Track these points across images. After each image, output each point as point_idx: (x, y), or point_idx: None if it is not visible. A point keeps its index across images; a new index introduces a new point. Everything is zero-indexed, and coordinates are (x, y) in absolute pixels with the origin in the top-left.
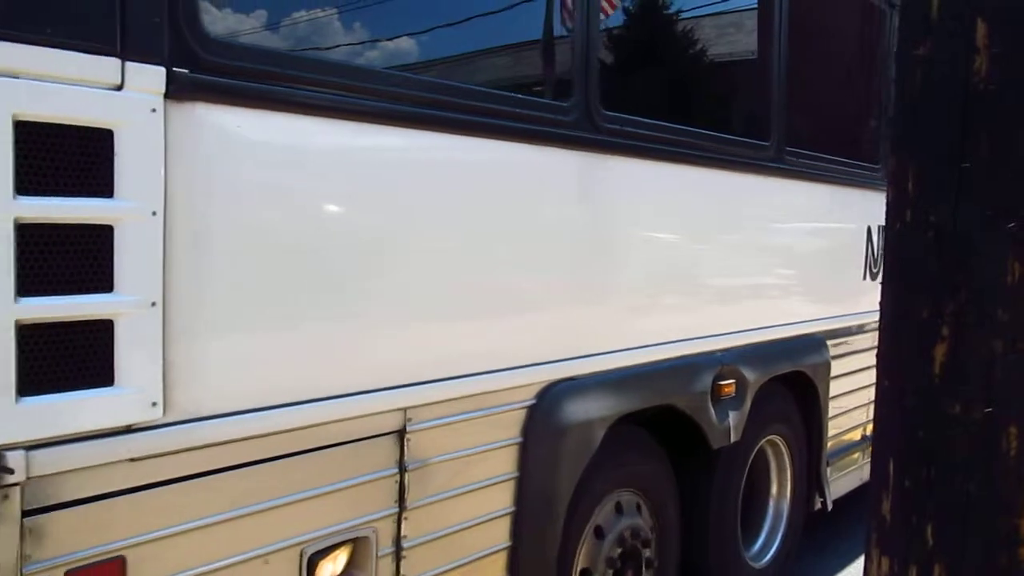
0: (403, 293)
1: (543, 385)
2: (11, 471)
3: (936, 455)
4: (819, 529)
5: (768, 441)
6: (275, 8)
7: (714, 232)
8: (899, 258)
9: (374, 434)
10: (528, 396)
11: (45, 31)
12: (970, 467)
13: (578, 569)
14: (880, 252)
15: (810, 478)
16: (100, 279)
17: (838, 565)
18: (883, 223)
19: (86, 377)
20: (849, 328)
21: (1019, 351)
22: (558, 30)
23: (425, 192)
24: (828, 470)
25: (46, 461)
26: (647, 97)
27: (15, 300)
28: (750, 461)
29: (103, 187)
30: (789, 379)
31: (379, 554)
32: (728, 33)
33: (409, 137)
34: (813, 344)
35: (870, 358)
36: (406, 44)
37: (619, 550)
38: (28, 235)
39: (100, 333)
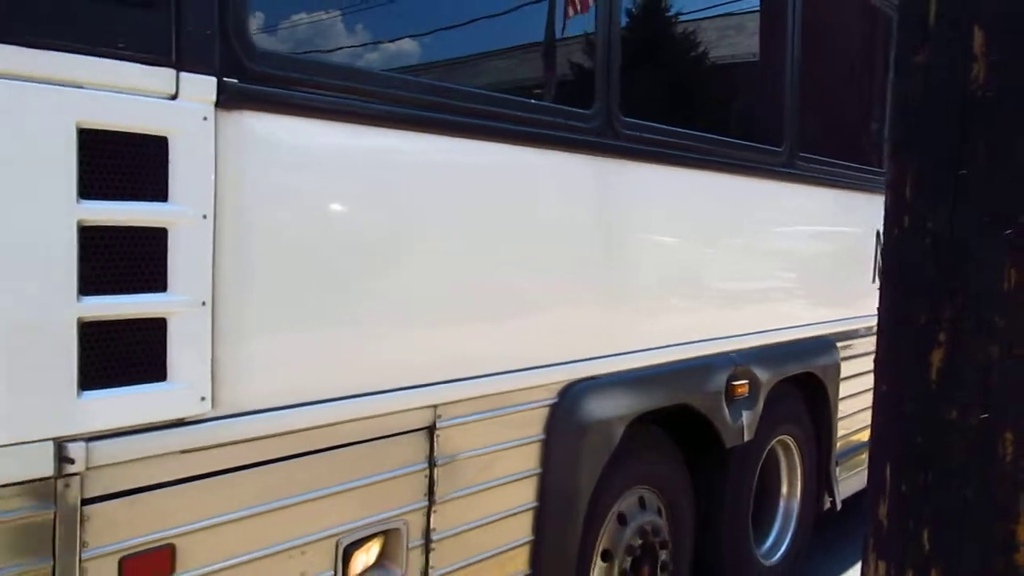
0: (435, 295)
1: (564, 384)
2: (72, 461)
3: (933, 460)
4: (828, 528)
5: (779, 441)
6: (317, 21)
7: (728, 236)
8: (897, 263)
9: (406, 430)
10: (550, 395)
11: (107, 43)
12: (966, 472)
13: (597, 559)
14: None
15: (819, 478)
16: (155, 279)
17: (846, 565)
18: None
19: (141, 373)
20: (858, 330)
21: (1016, 357)
22: (581, 41)
23: (458, 197)
24: (837, 470)
25: (104, 452)
26: (664, 104)
27: (78, 299)
28: (762, 460)
29: (158, 192)
30: (800, 380)
31: (409, 546)
32: (741, 41)
33: (444, 143)
34: (823, 346)
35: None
36: (441, 56)
37: (638, 542)
38: (89, 237)
39: (154, 331)
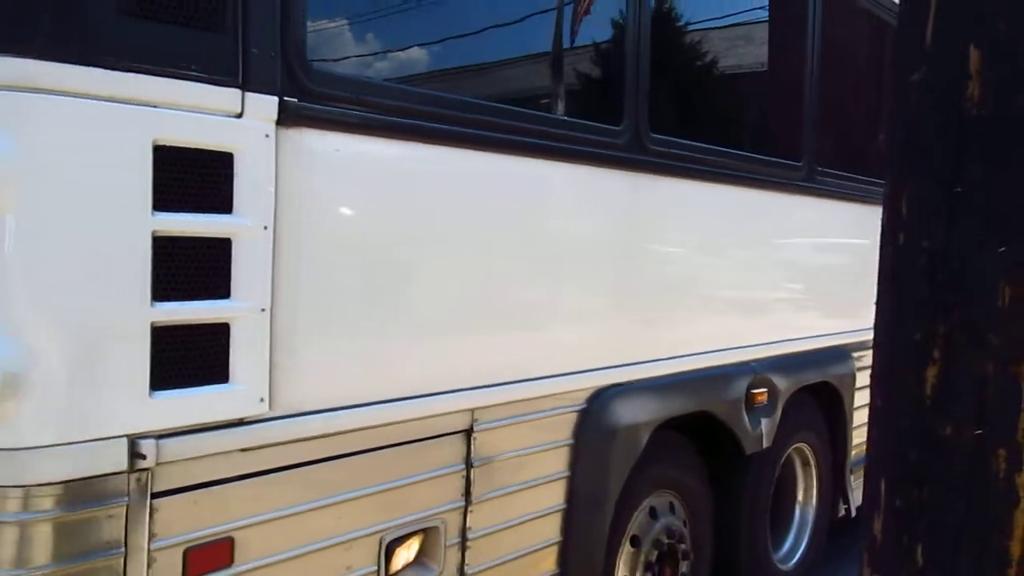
0: (475, 304)
1: (593, 390)
2: (144, 457)
3: (927, 476)
4: (842, 535)
5: (795, 449)
6: (369, 44)
7: (748, 248)
8: (892, 280)
9: (445, 432)
10: (579, 400)
11: (180, 66)
12: (960, 488)
13: (621, 562)
14: None
15: (835, 485)
16: (219, 287)
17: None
18: None
19: (206, 374)
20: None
21: (1010, 374)
22: (612, 60)
23: (497, 210)
24: (852, 477)
25: (172, 449)
26: (690, 120)
27: (151, 304)
28: (779, 467)
29: (223, 204)
30: (816, 389)
31: (447, 544)
32: (761, 60)
33: (485, 159)
34: (839, 355)
35: None
36: (483, 77)
37: (659, 546)
38: (161, 246)
39: (218, 335)
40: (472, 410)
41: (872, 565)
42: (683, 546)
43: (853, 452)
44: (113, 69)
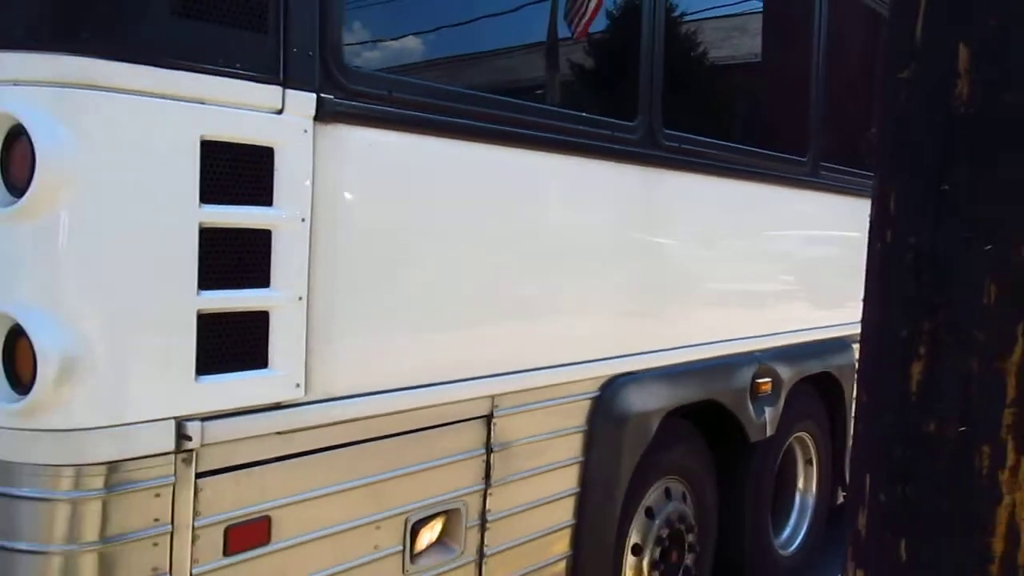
0: (497, 293)
1: (606, 378)
2: (190, 438)
3: (911, 472)
4: (841, 523)
5: (797, 437)
6: (402, 43)
7: (754, 241)
8: (879, 277)
9: (467, 417)
10: (593, 388)
11: (226, 64)
12: (944, 485)
13: (630, 545)
14: None
15: (834, 473)
16: (260, 276)
17: None
18: None
19: (247, 360)
20: None
21: (995, 371)
22: (629, 58)
23: (518, 204)
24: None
25: (215, 431)
26: (700, 117)
27: (197, 293)
28: (781, 455)
29: (264, 197)
30: (817, 379)
31: (468, 525)
32: (767, 58)
33: (506, 154)
34: (840, 347)
35: None
36: (506, 75)
37: (666, 531)
38: (206, 237)
39: (259, 322)
40: (493, 396)
41: (856, 559)
42: (690, 535)
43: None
44: (165, 67)
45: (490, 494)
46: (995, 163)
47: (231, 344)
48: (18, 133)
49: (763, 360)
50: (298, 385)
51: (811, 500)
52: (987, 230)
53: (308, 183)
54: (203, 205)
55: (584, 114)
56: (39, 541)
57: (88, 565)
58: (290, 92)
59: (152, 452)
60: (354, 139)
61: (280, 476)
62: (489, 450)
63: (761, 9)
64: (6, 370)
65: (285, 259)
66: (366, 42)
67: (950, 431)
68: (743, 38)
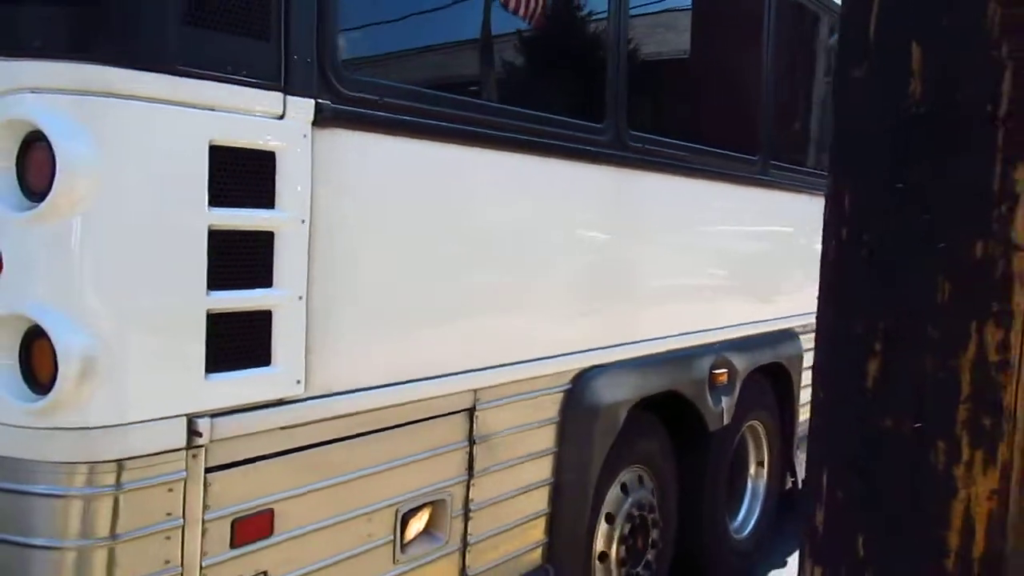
0: (480, 291)
1: (577, 371)
2: (200, 434)
3: (868, 468)
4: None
5: (749, 426)
6: (396, 50)
7: (710, 237)
8: (835, 274)
9: (452, 411)
10: (565, 381)
11: (231, 71)
12: (900, 480)
13: (598, 539)
14: None
15: (783, 460)
16: (263, 276)
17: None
18: None
19: (251, 358)
20: None
21: (949, 368)
22: (596, 62)
23: (499, 205)
24: (798, 452)
25: (223, 427)
26: (663, 119)
27: (207, 293)
28: (735, 443)
29: (267, 200)
30: (768, 369)
31: (452, 515)
32: (723, 64)
33: (488, 156)
34: (788, 337)
35: None
36: (490, 82)
37: (635, 513)
38: (215, 239)
39: (263, 321)
40: (475, 390)
41: (814, 557)
42: (653, 516)
43: (800, 428)
44: (178, 75)
45: (473, 485)
46: (948, 161)
47: (237, 342)
48: (36, 139)
49: (719, 351)
50: (298, 382)
51: (762, 486)
52: (940, 228)
53: (307, 186)
54: (212, 208)
55: (561, 118)
56: (57, 537)
57: (104, 560)
58: (291, 98)
59: (165, 448)
60: (349, 143)
61: (282, 470)
62: (472, 442)
63: (716, 23)
64: (22, 370)
65: (287, 260)
66: (361, 49)
67: (905, 427)
68: (699, 45)
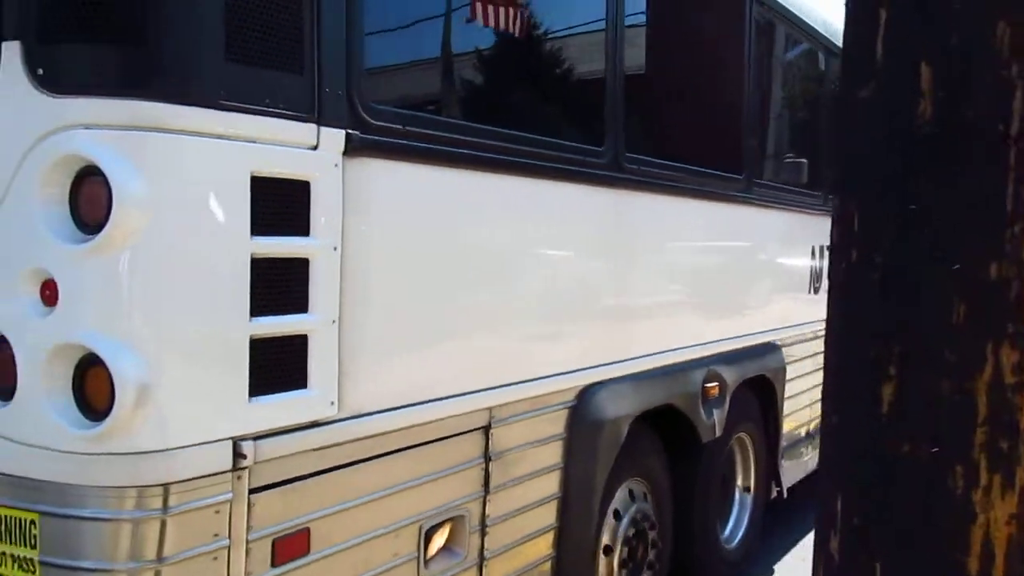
0: (494, 312)
1: (581, 388)
2: (244, 456)
3: (885, 494)
4: (776, 516)
5: (737, 438)
6: (419, 84)
7: (700, 254)
8: (846, 297)
9: (469, 429)
10: (571, 397)
11: (271, 104)
12: (919, 506)
13: (602, 545)
14: (821, 269)
15: (768, 470)
16: (300, 302)
17: (787, 546)
18: (824, 243)
19: (290, 381)
20: (799, 336)
21: (965, 391)
22: (595, 88)
23: (513, 229)
24: (783, 462)
25: (265, 449)
26: (657, 142)
27: (250, 319)
28: (725, 455)
29: (303, 228)
30: (753, 382)
31: (471, 530)
32: (709, 90)
33: (502, 182)
34: (772, 350)
35: (814, 363)
36: (504, 110)
37: (633, 529)
38: (256, 267)
39: (300, 345)
40: (490, 408)
41: None
42: (651, 525)
43: (784, 440)
44: (222, 109)
45: (489, 500)
46: (959, 181)
47: (277, 366)
48: (88, 173)
49: (710, 365)
50: (332, 403)
51: (750, 496)
52: (953, 249)
53: (339, 213)
54: (254, 237)
55: (570, 143)
56: (116, 560)
57: None
58: (324, 129)
59: (213, 471)
60: (375, 171)
61: (316, 490)
62: (488, 459)
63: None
64: (75, 398)
65: (321, 285)
66: (386, 82)
67: (923, 452)
68: (687, 73)
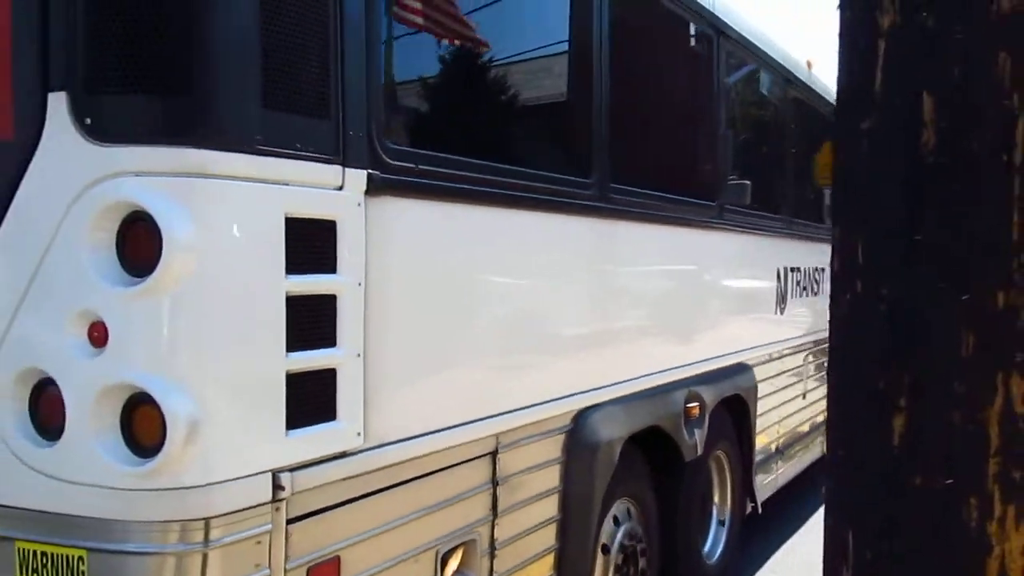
0: (499, 340)
1: (576, 412)
2: (283, 488)
3: (898, 527)
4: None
5: (714, 456)
6: (433, 125)
7: (679, 278)
8: (850, 329)
9: (479, 455)
10: (567, 422)
11: (301, 148)
12: (933, 539)
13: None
14: (785, 290)
15: (744, 487)
16: (328, 337)
17: (763, 558)
18: (788, 265)
19: (321, 413)
20: (767, 356)
21: (977, 421)
22: (584, 120)
23: (514, 262)
24: (756, 478)
25: (301, 481)
26: (639, 172)
27: (286, 355)
28: (704, 473)
29: (330, 265)
30: (728, 401)
31: (481, 554)
32: (687, 123)
33: (505, 216)
34: (744, 370)
35: (783, 380)
36: (501, 145)
37: (627, 542)
38: (291, 304)
39: (329, 379)
40: (497, 435)
41: None
42: (642, 546)
43: (757, 456)
44: (258, 154)
45: (497, 524)
46: (965, 212)
47: (310, 400)
48: (135, 219)
49: (691, 386)
50: (359, 434)
51: (727, 512)
52: (961, 280)
53: (362, 250)
54: (288, 276)
55: (565, 176)
56: None
57: None
58: (348, 170)
59: (255, 503)
60: (393, 209)
61: (345, 519)
62: (495, 483)
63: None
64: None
65: (347, 320)
66: (397, 123)
67: (936, 484)
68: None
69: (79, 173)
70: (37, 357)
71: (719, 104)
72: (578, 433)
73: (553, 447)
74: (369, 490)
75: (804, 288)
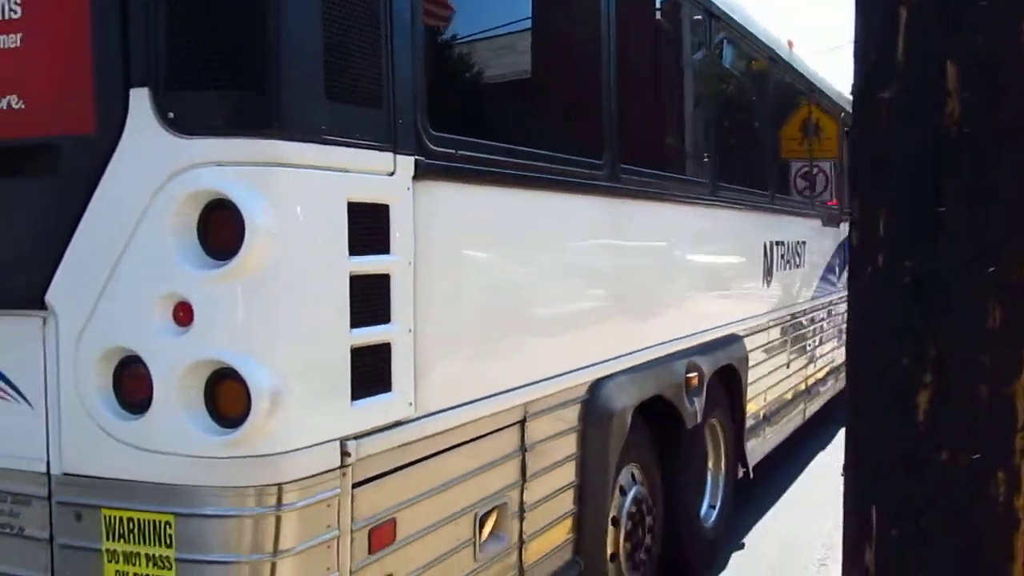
0: (529, 314)
1: (591, 382)
2: (349, 455)
3: (925, 503)
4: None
5: (709, 424)
6: (469, 114)
7: (680, 252)
8: (871, 303)
9: (510, 423)
10: (584, 392)
11: (360, 136)
12: (960, 514)
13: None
14: (772, 263)
15: (736, 452)
16: (384, 314)
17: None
18: (774, 239)
19: (379, 385)
20: (757, 327)
21: (1003, 395)
22: (595, 105)
23: (544, 241)
24: (747, 445)
25: (364, 448)
26: (648, 153)
27: (350, 331)
28: (701, 440)
29: (385, 247)
30: (721, 371)
31: (511, 516)
32: (704, 99)
33: (537, 197)
34: (736, 341)
35: (770, 350)
36: (538, 131)
37: (634, 509)
38: (353, 284)
39: (385, 353)
40: (525, 404)
41: None
42: (648, 507)
43: (748, 423)
44: (324, 144)
45: (526, 488)
46: (992, 183)
47: (370, 373)
48: (216, 207)
49: (690, 357)
50: (411, 404)
51: (721, 477)
52: (987, 251)
53: (411, 232)
54: (351, 256)
55: (584, 158)
56: (252, 552)
57: (290, 567)
58: (399, 157)
59: (326, 468)
60: (437, 192)
61: (399, 484)
62: (524, 450)
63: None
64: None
65: (400, 298)
66: (444, 111)
67: (962, 460)
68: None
69: (162, 164)
70: (121, 336)
71: (712, 86)
72: (594, 402)
73: (572, 415)
74: (418, 457)
75: (787, 261)
